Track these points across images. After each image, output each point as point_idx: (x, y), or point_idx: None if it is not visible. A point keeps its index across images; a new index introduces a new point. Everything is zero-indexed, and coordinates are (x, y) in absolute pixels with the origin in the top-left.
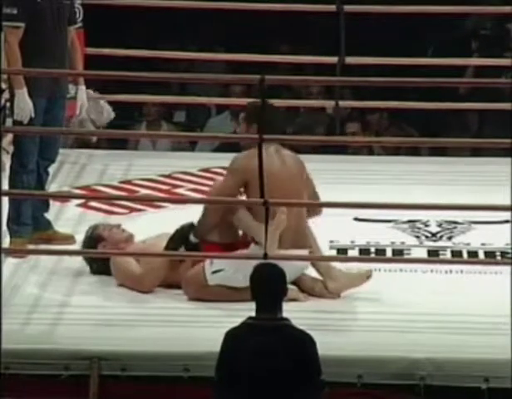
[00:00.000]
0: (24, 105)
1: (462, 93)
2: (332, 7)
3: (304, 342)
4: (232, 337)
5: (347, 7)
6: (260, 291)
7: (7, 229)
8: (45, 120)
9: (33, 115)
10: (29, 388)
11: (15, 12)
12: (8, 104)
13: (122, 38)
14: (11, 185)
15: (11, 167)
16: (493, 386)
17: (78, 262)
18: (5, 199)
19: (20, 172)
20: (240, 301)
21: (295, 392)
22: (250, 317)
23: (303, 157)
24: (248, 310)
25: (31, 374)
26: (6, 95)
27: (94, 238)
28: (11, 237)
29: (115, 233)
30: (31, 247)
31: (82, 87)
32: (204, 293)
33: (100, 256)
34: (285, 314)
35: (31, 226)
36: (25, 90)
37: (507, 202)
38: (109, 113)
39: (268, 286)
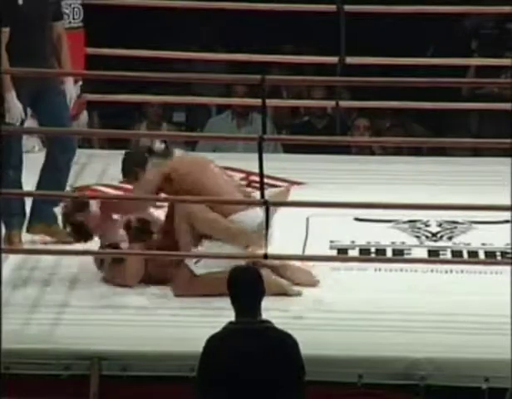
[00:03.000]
0: (13, 108)
1: (465, 94)
2: (333, 7)
3: (286, 344)
4: (214, 341)
5: (347, 7)
6: (239, 294)
7: (3, 223)
8: (44, 118)
9: (24, 117)
10: (29, 388)
11: None
12: None
13: (122, 38)
14: None
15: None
16: (493, 386)
17: (78, 262)
18: None
19: (7, 166)
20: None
21: (279, 394)
22: (231, 322)
23: (304, 157)
24: None
25: (31, 374)
26: None
27: (75, 207)
28: (5, 230)
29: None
30: (30, 246)
31: (70, 80)
32: (195, 288)
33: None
34: (285, 314)
35: (22, 216)
36: (13, 93)
37: (507, 202)
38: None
39: (248, 289)
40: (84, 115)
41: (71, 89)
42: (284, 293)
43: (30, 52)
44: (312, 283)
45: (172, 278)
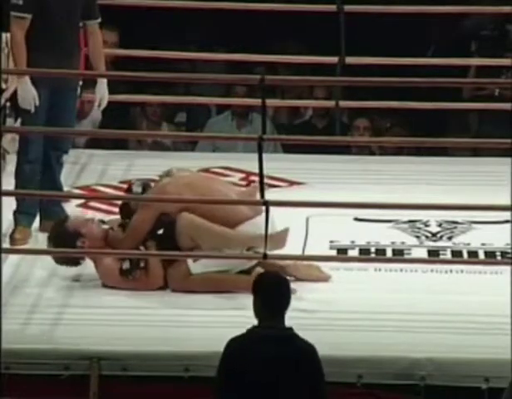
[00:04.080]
0: (26, 93)
1: (465, 96)
2: (333, 7)
3: (311, 354)
4: (238, 344)
5: (347, 7)
6: (266, 300)
7: (13, 218)
8: (52, 114)
9: (37, 102)
10: (29, 388)
11: (21, 2)
12: (9, 104)
13: (122, 38)
14: (15, 174)
15: (17, 156)
16: (493, 386)
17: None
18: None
19: (23, 161)
20: (227, 291)
21: None
22: (256, 326)
23: (303, 157)
24: (249, 309)
25: (31, 374)
26: (6, 94)
27: (70, 234)
28: (15, 225)
29: (92, 228)
30: (29, 246)
31: (103, 81)
32: (190, 284)
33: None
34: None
35: (33, 215)
36: (27, 78)
37: (507, 202)
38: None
39: (275, 295)
40: (97, 113)
41: (105, 89)
42: None
43: (53, 46)
44: (324, 278)
45: (168, 271)
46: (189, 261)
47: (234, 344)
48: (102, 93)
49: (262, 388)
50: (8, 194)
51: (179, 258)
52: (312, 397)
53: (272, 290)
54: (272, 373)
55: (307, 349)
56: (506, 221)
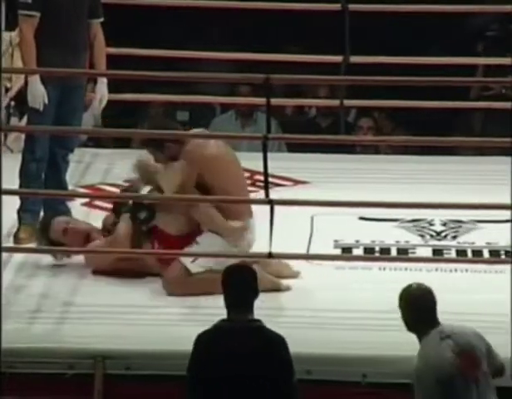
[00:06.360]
0: (36, 91)
1: (472, 96)
2: (337, 6)
3: (280, 344)
4: (205, 339)
5: (352, 6)
6: (233, 292)
7: (17, 217)
8: (61, 111)
9: (46, 101)
10: (34, 387)
11: (29, 0)
12: (13, 103)
13: (126, 37)
14: (20, 172)
15: (22, 154)
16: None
17: (82, 260)
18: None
19: (29, 159)
20: None
21: (272, 395)
22: (223, 320)
23: (308, 156)
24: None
25: (35, 373)
26: (10, 93)
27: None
28: (19, 224)
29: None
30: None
31: (103, 80)
32: (190, 286)
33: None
34: (288, 312)
35: (37, 213)
36: (37, 76)
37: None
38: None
39: (241, 287)
40: (97, 109)
41: (104, 89)
42: (277, 289)
43: (61, 43)
44: (294, 274)
45: (164, 275)
46: (187, 262)
47: (202, 339)
48: (102, 92)
49: (231, 381)
50: (12, 192)
51: (175, 256)
52: (281, 388)
53: (236, 282)
54: (240, 365)
55: (275, 340)
56: (510, 220)
